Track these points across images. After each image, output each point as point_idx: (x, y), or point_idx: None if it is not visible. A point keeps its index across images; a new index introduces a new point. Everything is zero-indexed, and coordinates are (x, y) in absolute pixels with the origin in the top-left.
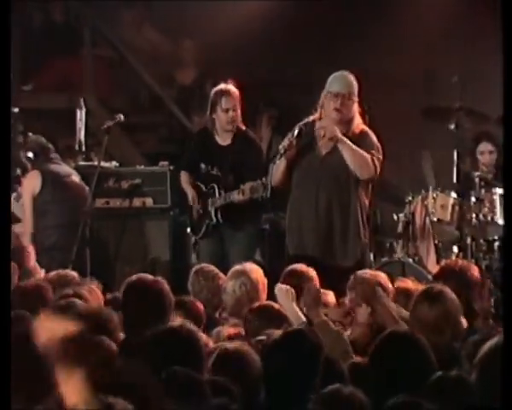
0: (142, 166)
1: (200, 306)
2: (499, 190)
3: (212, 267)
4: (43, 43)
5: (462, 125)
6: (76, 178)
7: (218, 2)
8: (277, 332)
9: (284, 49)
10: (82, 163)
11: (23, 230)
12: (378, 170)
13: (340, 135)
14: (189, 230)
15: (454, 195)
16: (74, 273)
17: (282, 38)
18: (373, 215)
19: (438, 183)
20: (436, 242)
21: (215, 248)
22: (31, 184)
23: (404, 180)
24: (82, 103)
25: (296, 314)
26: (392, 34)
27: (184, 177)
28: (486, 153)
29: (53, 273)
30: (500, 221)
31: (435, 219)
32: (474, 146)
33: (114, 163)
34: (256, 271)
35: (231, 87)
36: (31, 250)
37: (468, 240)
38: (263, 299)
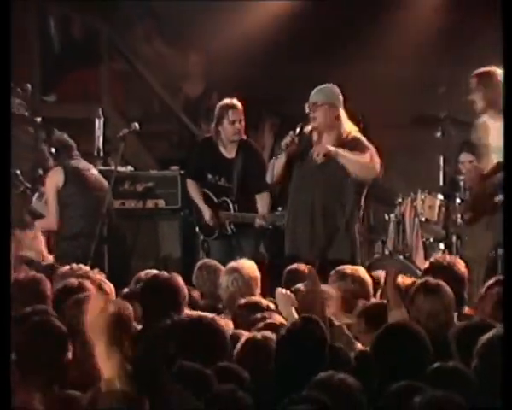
0: (155, 171)
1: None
2: None
3: (215, 262)
4: (63, 58)
5: (449, 133)
6: (95, 171)
7: (224, 20)
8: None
9: (287, 63)
10: (100, 168)
11: (47, 223)
12: (379, 167)
13: (333, 149)
14: (197, 229)
15: (441, 197)
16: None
17: (285, 52)
18: (366, 215)
19: (425, 186)
20: (424, 240)
21: (223, 246)
22: (54, 179)
23: (395, 183)
24: (100, 113)
25: (294, 319)
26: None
27: (192, 186)
28: (467, 162)
29: (67, 267)
30: None
31: (423, 218)
32: (458, 153)
33: (130, 168)
34: (249, 267)
35: (236, 101)
36: (39, 236)
37: (454, 238)
38: (255, 294)
